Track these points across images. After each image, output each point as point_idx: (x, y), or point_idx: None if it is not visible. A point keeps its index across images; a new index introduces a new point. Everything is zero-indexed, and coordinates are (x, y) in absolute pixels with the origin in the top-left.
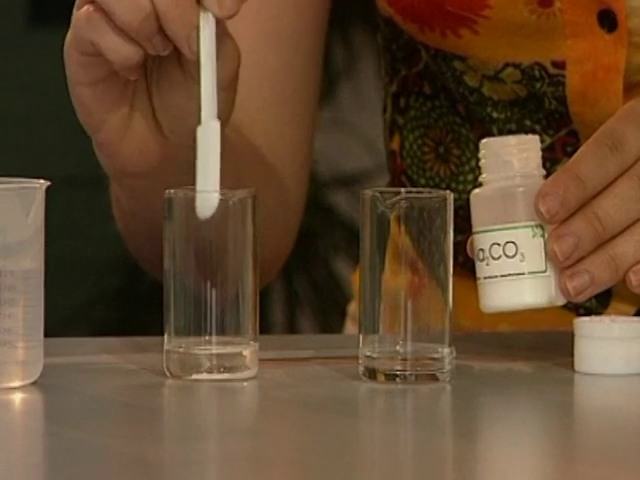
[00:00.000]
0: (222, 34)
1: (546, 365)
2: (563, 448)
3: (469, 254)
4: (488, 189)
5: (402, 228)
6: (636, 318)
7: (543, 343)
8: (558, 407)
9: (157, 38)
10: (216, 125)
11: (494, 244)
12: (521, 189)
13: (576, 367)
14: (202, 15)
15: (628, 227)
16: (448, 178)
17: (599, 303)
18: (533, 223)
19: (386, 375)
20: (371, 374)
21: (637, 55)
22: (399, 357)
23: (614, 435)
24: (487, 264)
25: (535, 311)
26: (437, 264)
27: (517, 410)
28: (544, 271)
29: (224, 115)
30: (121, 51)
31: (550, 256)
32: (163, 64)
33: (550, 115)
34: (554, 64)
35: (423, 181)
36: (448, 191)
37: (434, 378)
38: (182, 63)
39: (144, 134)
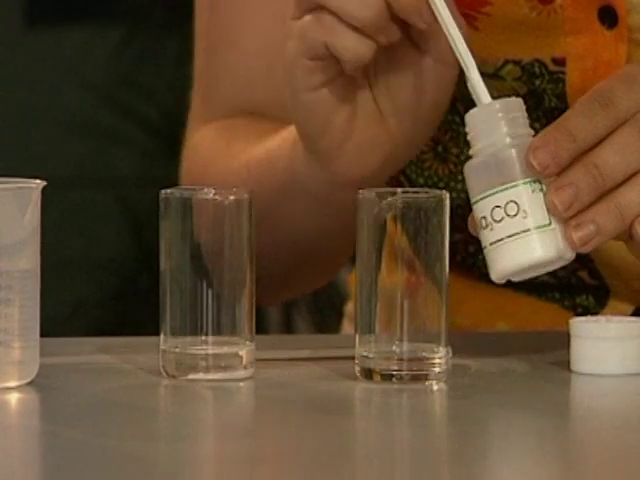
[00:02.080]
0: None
1: (542, 365)
2: (559, 448)
3: (471, 231)
4: (480, 157)
5: (399, 228)
6: (632, 318)
7: (540, 343)
8: (554, 407)
9: (392, 27)
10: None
11: (495, 207)
12: (513, 149)
13: (572, 367)
14: None
15: (631, 176)
16: (447, 177)
17: (597, 302)
18: (530, 179)
19: (382, 375)
20: (367, 374)
21: (638, 51)
22: (395, 357)
23: (610, 435)
24: (491, 229)
25: (532, 311)
26: (433, 264)
27: (513, 410)
28: (549, 224)
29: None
30: (358, 49)
31: (550, 208)
32: (390, 51)
33: (550, 112)
34: (554, 61)
35: (421, 180)
36: (444, 191)
37: (430, 378)
38: (411, 41)
39: (367, 133)
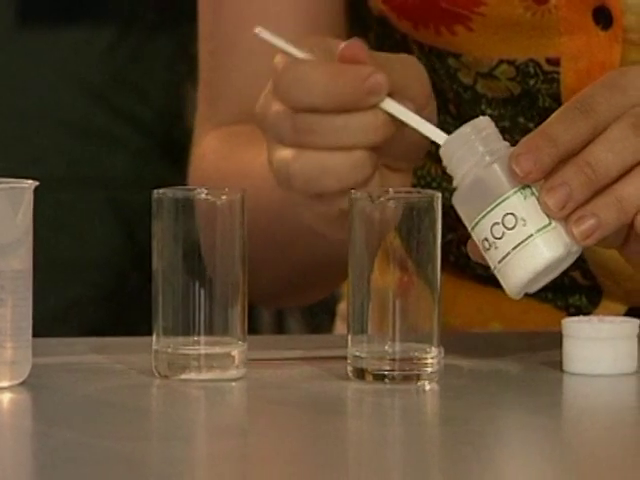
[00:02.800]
0: None
1: (535, 365)
2: (551, 448)
3: (472, 258)
4: (465, 184)
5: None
6: (624, 318)
7: (532, 343)
8: (547, 407)
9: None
10: None
11: (493, 225)
12: (495, 164)
13: (565, 367)
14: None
15: (628, 172)
16: (440, 177)
17: (589, 302)
18: (519, 187)
19: (374, 375)
20: (359, 374)
21: (632, 52)
22: (387, 357)
23: (603, 436)
24: (495, 248)
25: (525, 311)
26: (426, 264)
27: (505, 410)
28: (549, 224)
29: None
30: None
31: (545, 210)
32: None
33: (544, 112)
34: (548, 61)
35: (414, 180)
36: (436, 191)
37: (422, 378)
38: None
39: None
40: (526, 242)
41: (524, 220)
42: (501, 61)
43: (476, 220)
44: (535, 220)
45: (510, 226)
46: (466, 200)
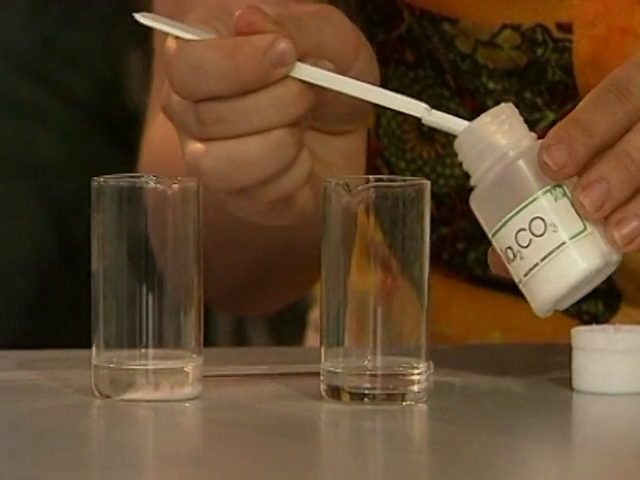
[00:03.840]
0: None
1: (540, 382)
2: (559, 478)
3: (493, 271)
4: (485, 183)
5: (371, 221)
6: None
7: (537, 357)
8: (554, 431)
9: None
10: None
11: (519, 231)
12: (520, 159)
13: (575, 385)
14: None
15: None
16: (433, 161)
17: (606, 308)
18: (549, 186)
19: (352, 394)
20: (334, 393)
21: None
22: (367, 373)
23: (619, 464)
24: (521, 258)
25: (529, 319)
26: (412, 263)
27: (506, 436)
28: (584, 229)
29: None
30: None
31: (580, 211)
32: None
33: (554, 87)
34: (559, 27)
35: (403, 164)
36: (425, 179)
37: (408, 398)
38: None
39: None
40: (557, 251)
41: (555, 225)
42: (504, 27)
43: (498, 226)
44: (568, 225)
45: (539, 233)
46: (486, 202)
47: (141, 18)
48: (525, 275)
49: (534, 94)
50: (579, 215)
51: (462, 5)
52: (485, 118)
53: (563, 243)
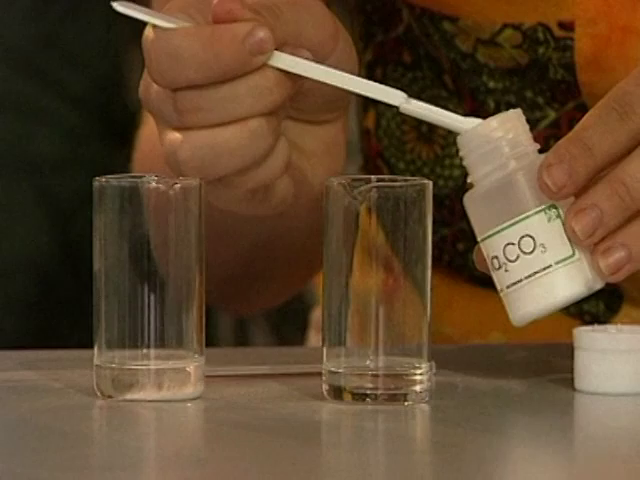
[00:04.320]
0: None
1: (542, 383)
2: (561, 479)
3: (478, 267)
4: (482, 187)
5: (373, 222)
6: None
7: (539, 357)
8: (556, 432)
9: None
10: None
11: (507, 245)
12: (520, 173)
13: (577, 385)
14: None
15: None
16: (432, 162)
17: (608, 308)
18: (544, 206)
19: (354, 394)
20: (336, 393)
21: None
22: (369, 373)
23: (622, 465)
24: (506, 270)
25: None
26: (414, 263)
27: (508, 436)
28: (572, 255)
29: None
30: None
31: (570, 236)
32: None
33: (555, 86)
34: (561, 25)
35: (402, 165)
36: (426, 180)
37: (410, 398)
38: None
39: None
40: (542, 273)
41: (544, 247)
42: (505, 25)
43: (488, 234)
44: (557, 248)
45: (527, 250)
46: (479, 207)
47: (119, 7)
48: (507, 287)
49: (535, 93)
50: (569, 239)
51: (463, 4)
52: (492, 122)
53: (549, 266)
